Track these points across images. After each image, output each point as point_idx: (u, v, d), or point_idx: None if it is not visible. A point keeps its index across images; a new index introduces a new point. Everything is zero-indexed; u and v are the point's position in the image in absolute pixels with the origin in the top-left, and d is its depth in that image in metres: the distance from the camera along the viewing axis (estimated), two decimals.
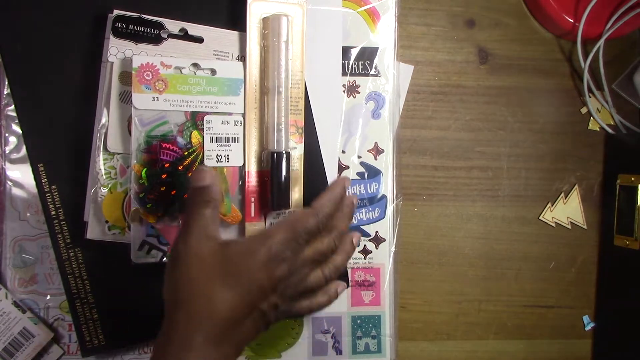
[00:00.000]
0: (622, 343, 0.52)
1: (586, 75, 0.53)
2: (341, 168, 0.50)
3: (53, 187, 0.45)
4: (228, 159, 0.45)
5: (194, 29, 0.45)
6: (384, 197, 0.50)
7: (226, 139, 0.45)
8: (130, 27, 0.44)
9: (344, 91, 0.50)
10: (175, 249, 0.36)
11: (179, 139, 0.44)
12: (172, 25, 0.45)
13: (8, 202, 0.47)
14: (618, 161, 0.53)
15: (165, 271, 0.36)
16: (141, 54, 0.43)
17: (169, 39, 0.45)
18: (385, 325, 0.51)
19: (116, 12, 0.43)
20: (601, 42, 0.52)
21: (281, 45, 0.43)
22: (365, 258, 0.50)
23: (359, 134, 0.50)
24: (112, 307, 0.46)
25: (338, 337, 0.50)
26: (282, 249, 0.36)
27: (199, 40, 0.45)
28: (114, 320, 0.46)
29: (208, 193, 0.37)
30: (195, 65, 0.44)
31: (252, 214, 0.45)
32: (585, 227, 0.54)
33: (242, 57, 0.45)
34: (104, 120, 0.44)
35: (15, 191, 0.47)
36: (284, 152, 0.44)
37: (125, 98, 0.44)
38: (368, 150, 0.50)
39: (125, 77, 0.44)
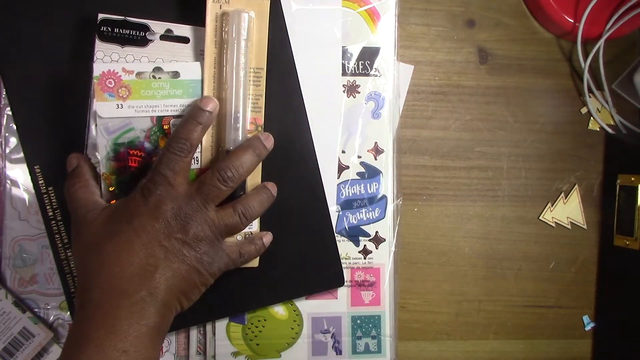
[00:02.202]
0: (622, 343, 0.52)
1: (586, 75, 0.53)
2: (341, 168, 0.50)
3: (50, 188, 0.45)
4: (198, 161, 0.44)
5: (179, 29, 0.44)
6: (384, 197, 0.50)
7: None
8: (116, 30, 0.44)
9: (343, 91, 0.50)
10: (70, 237, 0.41)
11: (147, 145, 0.43)
12: (158, 27, 0.44)
13: (8, 202, 0.47)
14: (618, 161, 0.53)
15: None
16: (100, 62, 0.43)
17: (155, 41, 0.44)
18: (385, 325, 0.51)
19: (101, 15, 0.43)
20: (601, 42, 0.52)
21: (241, 43, 0.43)
22: (365, 258, 0.50)
23: (358, 134, 0.50)
24: None
25: (338, 337, 0.50)
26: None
27: (185, 40, 0.45)
28: None
29: (76, 174, 0.42)
30: (158, 69, 0.44)
31: None
32: (585, 227, 0.54)
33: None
34: (93, 127, 0.44)
35: (15, 191, 0.47)
36: None
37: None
38: (368, 150, 0.50)
39: None
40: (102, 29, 0.43)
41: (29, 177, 0.45)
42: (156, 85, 0.43)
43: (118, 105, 0.42)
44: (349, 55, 0.49)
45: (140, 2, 0.45)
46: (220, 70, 0.44)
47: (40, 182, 0.45)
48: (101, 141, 0.43)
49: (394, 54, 0.50)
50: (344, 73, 0.49)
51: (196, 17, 0.44)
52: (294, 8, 0.48)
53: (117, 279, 0.37)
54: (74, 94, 0.45)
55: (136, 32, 0.44)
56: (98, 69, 0.42)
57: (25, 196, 0.47)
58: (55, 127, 0.45)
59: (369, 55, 0.50)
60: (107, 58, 0.44)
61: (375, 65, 0.50)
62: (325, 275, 0.48)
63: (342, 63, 0.49)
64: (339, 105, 0.49)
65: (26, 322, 0.46)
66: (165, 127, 0.44)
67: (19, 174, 0.47)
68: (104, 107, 0.42)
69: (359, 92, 0.50)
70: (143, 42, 0.44)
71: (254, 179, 0.45)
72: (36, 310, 0.48)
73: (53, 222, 0.45)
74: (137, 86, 0.43)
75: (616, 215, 0.52)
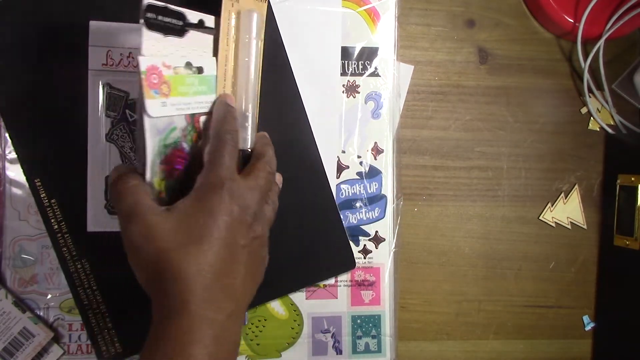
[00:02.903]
0: (622, 343, 0.52)
1: (586, 75, 0.53)
2: (341, 168, 0.50)
3: (52, 200, 0.44)
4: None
5: (210, 20, 0.42)
6: (384, 197, 0.50)
7: None
8: (160, 17, 0.38)
9: (343, 91, 0.50)
10: (127, 240, 0.36)
11: (184, 145, 0.41)
12: (192, 16, 0.40)
13: (8, 202, 0.47)
14: (618, 161, 0.53)
15: (130, 265, 0.37)
16: (146, 56, 0.37)
17: (190, 32, 0.40)
18: (385, 325, 0.51)
19: (147, 1, 0.37)
20: (601, 42, 0.52)
21: (252, 42, 0.42)
22: (365, 258, 0.50)
23: (358, 134, 0.50)
24: (125, 313, 0.46)
25: (338, 337, 0.50)
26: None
27: (212, 31, 0.42)
28: (129, 326, 0.46)
29: (126, 173, 0.37)
30: (189, 64, 0.40)
31: None
32: (585, 227, 0.54)
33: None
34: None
35: (15, 191, 0.47)
36: (249, 149, 0.42)
37: None
38: (368, 150, 0.50)
39: None
40: (148, 15, 0.37)
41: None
42: (189, 82, 0.40)
43: (163, 103, 0.38)
44: (348, 55, 0.49)
45: None
46: (233, 68, 0.43)
47: (42, 195, 0.44)
48: (150, 143, 0.38)
49: (393, 54, 0.50)
50: (343, 73, 0.49)
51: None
52: (294, 8, 0.48)
53: (209, 291, 0.34)
54: (67, 102, 0.44)
55: (176, 21, 0.39)
56: (144, 62, 0.37)
57: (25, 196, 0.47)
58: (52, 138, 0.44)
59: (368, 55, 0.50)
60: (154, 49, 0.38)
61: (375, 65, 0.50)
62: (336, 259, 0.49)
63: (342, 63, 0.49)
64: (338, 105, 0.49)
65: (26, 322, 0.46)
66: (196, 125, 0.41)
67: (19, 174, 0.47)
68: (152, 106, 0.37)
69: (359, 92, 0.50)
70: (181, 32, 0.40)
71: None
72: (36, 310, 0.48)
73: (59, 234, 0.45)
74: (175, 82, 0.39)
75: (616, 215, 0.52)
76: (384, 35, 0.50)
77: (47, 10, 0.44)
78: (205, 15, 0.42)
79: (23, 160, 0.44)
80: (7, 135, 0.46)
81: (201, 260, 0.34)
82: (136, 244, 0.35)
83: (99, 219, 0.46)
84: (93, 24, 0.44)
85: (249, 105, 0.43)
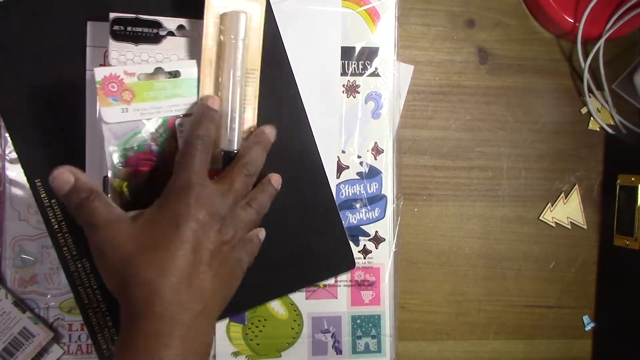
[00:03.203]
0: (622, 343, 0.52)
1: (586, 75, 0.53)
2: (341, 168, 0.50)
3: (53, 200, 0.44)
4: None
5: (192, 24, 0.44)
6: (384, 197, 0.50)
7: None
8: (129, 29, 0.43)
9: (343, 91, 0.50)
10: (92, 249, 0.37)
11: (154, 147, 0.42)
12: (170, 23, 0.44)
13: (8, 202, 0.47)
14: (618, 161, 0.53)
15: (99, 272, 0.37)
16: (102, 67, 0.41)
17: (168, 38, 0.44)
18: (385, 325, 0.51)
19: (113, 14, 0.43)
20: (601, 42, 0.52)
21: (238, 43, 0.42)
22: (365, 258, 0.50)
23: (358, 134, 0.50)
24: None
25: (338, 337, 0.50)
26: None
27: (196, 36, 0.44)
28: None
29: (80, 188, 0.36)
30: (159, 69, 0.43)
31: None
32: (585, 227, 0.54)
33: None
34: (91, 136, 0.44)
35: (15, 191, 0.47)
36: (235, 151, 0.43)
37: None
38: (368, 150, 0.50)
39: None
40: (114, 27, 0.43)
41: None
42: (158, 86, 0.42)
43: (123, 109, 0.41)
44: (348, 55, 0.49)
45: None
46: (217, 70, 0.43)
47: (42, 195, 0.44)
48: (109, 148, 0.41)
49: (393, 53, 0.50)
50: (343, 73, 0.49)
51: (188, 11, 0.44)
52: (294, 8, 0.48)
53: (175, 293, 0.34)
54: (66, 103, 0.44)
55: (149, 30, 0.43)
56: (99, 73, 0.40)
57: (25, 196, 0.47)
58: (53, 138, 0.44)
59: (368, 55, 0.50)
60: (122, 57, 0.43)
61: (375, 65, 0.50)
62: (336, 260, 0.49)
63: (342, 63, 0.49)
64: (338, 105, 0.49)
65: (26, 322, 0.46)
66: (170, 127, 0.43)
67: (19, 174, 0.47)
68: (109, 112, 0.41)
69: (359, 92, 0.50)
70: (156, 39, 0.44)
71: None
72: (36, 310, 0.48)
73: (59, 234, 0.45)
74: (139, 89, 0.42)
75: (616, 215, 0.52)
76: (384, 35, 0.50)
77: (47, 11, 0.44)
78: (186, 19, 0.43)
79: (23, 160, 0.44)
80: (7, 135, 0.46)
81: (165, 266, 0.35)
82: (102, 252, 0.36)
83: None
84: (91, 24, 0.44)
85: (235, 106, 0.43)
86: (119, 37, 0.43)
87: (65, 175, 0.36)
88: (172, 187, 0.37)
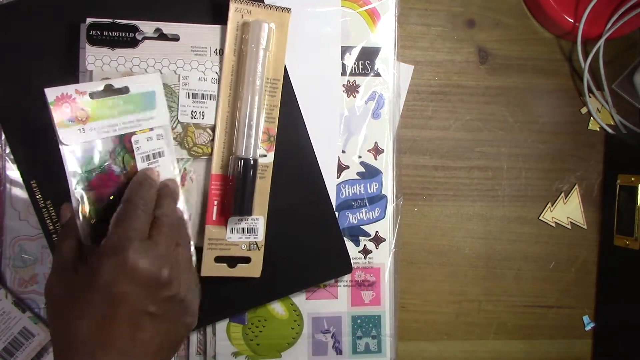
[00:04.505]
0: (622, 343, 0.52)
1: (586, 75, 0.53)
2: (341, 168, 0.50)
3: (48, 202, 0.45)
4: (159, 174, 0.44)
5: (168, 27, 0.44)
6: (384, 197, 0.50)
7: (154, 155, 0.43)
8: (105, 33, 0.43)
9: (343, 91, 0.50)
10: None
11: (114, 167, 0.42)
12: (147, 27, 0.44)
13: (8, 202, 0.47)
14: (618, 161, 0.53)
15: None
16: (53, 87, 0.40)
17: (145, 41, 0.44)
18: (385, 325, 0.51)
19: (89, 20, 0.43)
20: (601, 42, 0.52)
21: (259, 52, 0.43)
22: (365, 258, 0.50)
23: (358, 134, 0.50)
24: None
25: (338, 337, 0.50)
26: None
27: (175, 38, 0.45)
28: None
29: (65, 226, 0.40)
30: (109, 85, 0.42)
31: (214, 217, 0.45)
32: (585, 227, 0.54)
33: (221, 51, 0.45)
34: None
35: (15, 191, 0.47)
36: (251, 159, 0.43)
37: None
38: (368, 150, 0.50)
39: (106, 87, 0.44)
40: (91, 32, 0.43)
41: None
42: (111, 103, 0.41)
43: (80, 129, 0.40)
44: (348, 55, 0.49)
45: (128, 3, 0.44)
46: (237, 78, 0.44)
47: (38, 197, 0.44)
48: (71, 171, 0.41)
49: (394, 54, 0.50)
50: (343, 73, 0.49)
51: (187, 15, 0.44)
52: (294, 8, 0.48)
53: (107, 354, 0.34)
54: None
55: (125, 34, 0.44)
56: (51, 94, 0.40)
57: (25, 196, 0.47)
58: (48, 140, 0.44)
59: (369, 55, 0.50)
60: (99, 62, 0.43)
61: (375, 65, 0.50)
62: (332, 264, 0.48)
63: (342, 63, 0.49)
64: (339, 105, 0.49)
65: (26, 322, 0.46)
66: (128, 145, 0.42)
67: (19, 174, 0.47)
68: (67, 134, 0.40)
69: (359, 92, 0.50)
70: (133, 43, 0.44)
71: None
72: (36, 310, 0.48)
73: (54, 235, 0.45)
74: (94, 107, 0.41)
75: (616, 215, 0.52)
76: (384, 35, 0.50)
77: (43, 13, 0.44)
78: (165, 23, 0.44)
79: (19, 162, 0.45)
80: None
81: (105, 338, 0.34)
82: (48, 283, 0.38)
83: None
84: (84, 26, 0.44)
85: (253, 114, 0.43)
86: (95, 42, 0.43)
87: (65, 211, 0.41)
88: (105, 246, 0.36)
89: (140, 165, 0.43)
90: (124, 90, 0.42)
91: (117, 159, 0.42)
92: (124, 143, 0.42)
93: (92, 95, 0.41)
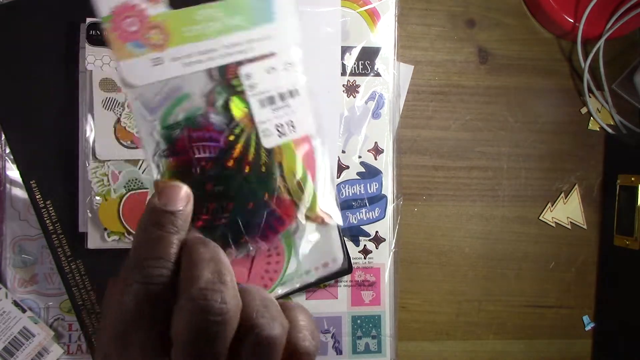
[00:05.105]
0: (622, 343, 0.52)
1: (586, 75, 0.53)
2: (341, 168, 0.50)
3: (47, 202, 0.44)
4: (293, 127, 0.30)
5: None
6: (384, 197, 0.50)
7: (281, 96, 0.29)
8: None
9: (343, 91, 0.50)
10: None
11: (213, 117, 0.27)
12: None
13: (8, 202, 0.47)
14: (618, 161, 0.53)
15: None
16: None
17: None
18: (386, 325, 0.51)
19: (89, 20, 0.43)
20: (601, 42, 0.52)
21: None
22: (365, 258, 0.50)
23: (359, 134, 0.50)
24: None
25: (338, 337, 0.50)
26: None
27: None
28: None
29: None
30: None
31: None
32: (585, 227, 0.54)
33: None
34: (88, 128, 0.43)
35: (15, 191, 0.47)
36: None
37: (109, 105, 0.44)
38: (368, 150, 0.50)
39: (107, 84, 0.43)
40: (91, 32, 0.42)
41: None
42: (203, 16, 0.26)
43: (155, 60, 0.26)
44: (348, 55, 0.49)
45: None
46: None
47: (37, 196, 0.44)
48: (144, 128, 0.26)
49: (394, 54, 0.50)
50: (343, 73, 0.49)
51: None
52: None
53: None
54: (60, 104, 0.44)
55: None
56: (104, 4, 0.25)
57: (25, 196, 0.47)
58: (46, 140, 0.44)
59: (369, 55, 0.50)
60: (99, 62, 0.43)
61: (375, 65, 0.50)
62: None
63: (342, 63, 0.49)
64: (339, 105, 0.49)
65: (26, 322, 0.46)
66: (234, 81, 0.27)
67: (19, 174, 0.47)
68: (133, 67, 0.26)
69: (359, 92, 0.50)
70: None
71: None
72: (36, 310, 0.48)
73: (54, 235, 0.45)
74: (175, 22, 0.26)
75: (616, 215, 0.52)
76: (384, 35, 0.50)
77: (43, 13, 0.44)
78: None
79: (19, 161, 0.45)
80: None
81: None
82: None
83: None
84: (84, 27, 0.44)
85: None
86: (95, 41, 0.43)
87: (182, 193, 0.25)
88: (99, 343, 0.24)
89: (260, 113, 0.27)
90: None
91: (218, 103, 0.28)
92: (228, 78, 0.28)
93: (174, 3, 0.26)
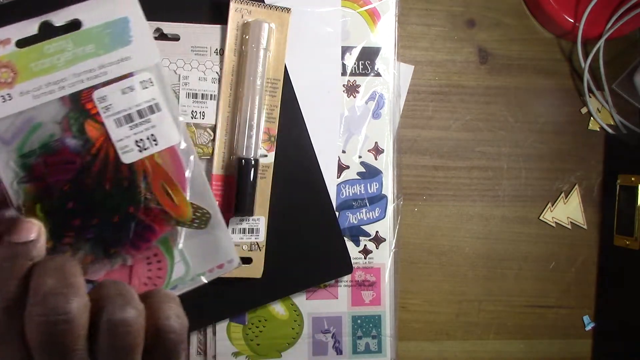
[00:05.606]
0: (622, 343, 0.52)
1: (586, 75, 0.53)
2: (341, 168, 0.50)
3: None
4: (155, 140, 0.31)
5: (168, 27, 0.44)
6: (384, 197, 0.50)
7: (140, 113, 0.31)
8: None
9: (344, 91, 0.50)
10: None
11: (68, 141, 0.29)
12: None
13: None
14: (618, 161, 0.53)
15: None
16: None
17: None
18: (386, 325, 0.51)
19: None
20: (601, 42, 0.52)
21: (259, 52, 0.43)
22: (365, 258, 0.50)
23: (359, 134, 0.50)
24: None
25: (338, 337, 0.50)
26: None
27: (175, 38, 0.45)
28: None
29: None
30: (47, 24, 0.29)
31: None
32: (585, 227, 0.54)
33: (221, 51, 0.44)
34: None
35: None
36: (252, 159, 0.43)
37: None
38: (368, 150, 0.50)
39: None
40: None
41: None
42: (52, 49, 0.28)
43: (3, 97, 0.28)
44: (349, 55, 0.49)
45: None
46: (237, 78, 0.44)
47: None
48: (0, 159, 0.28)
49: (394, 54, 0.50)
50: (343, 73, 0.49)
51: (187, 15, 0.44)
52: (294, 8, 0.48)
53: None
54: None
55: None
56: None
57: None
58: None
59: (369, 55, 0.50)
60: None
61: (375, 65, 0.50)
62: (333, 264, 0.48)
63: (342, 63, 0.49)
64: (339, 105, 0.49)
65: None
66: (89, 105, 0.30)
67: None
68: None
69: (359, 92, 0.50)
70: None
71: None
72: None
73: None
74: (23, 59, 0.28)
75: (616, 215, 0.52)
76: (384, 35, 0.50)
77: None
78: (165, 23, 0.42)
79: None
80: None
81: None
82: None
83: None
84: None
85: (254, 115, 0.43)
86: None
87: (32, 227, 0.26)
88: None
89: (116, 131, 0.29)
90: (75, 24, 0.30)
91: (74, 127, 0.29)
92: (82, 103, 0.29)
93: (22, 43, 0.28)
